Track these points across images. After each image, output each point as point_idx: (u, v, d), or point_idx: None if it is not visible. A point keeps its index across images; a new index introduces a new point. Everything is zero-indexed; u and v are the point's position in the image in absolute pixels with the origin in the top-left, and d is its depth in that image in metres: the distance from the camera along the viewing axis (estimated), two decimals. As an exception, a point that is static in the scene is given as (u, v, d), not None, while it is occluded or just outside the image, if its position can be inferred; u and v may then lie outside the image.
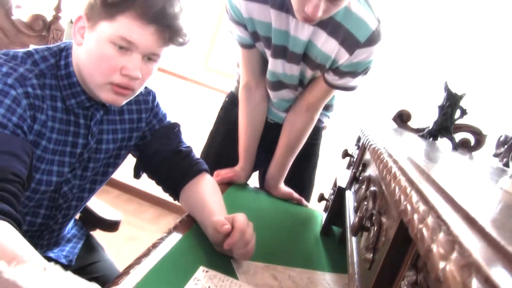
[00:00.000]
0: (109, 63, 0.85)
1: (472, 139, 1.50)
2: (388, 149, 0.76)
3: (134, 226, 2.81)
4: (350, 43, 1.19)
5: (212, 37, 3.18)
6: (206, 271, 0.83)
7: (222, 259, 0.90)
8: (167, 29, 0.86)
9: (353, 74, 1.26)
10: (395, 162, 0.64)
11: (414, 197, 0.48)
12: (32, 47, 1.18)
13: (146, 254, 0.82)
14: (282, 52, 1.27)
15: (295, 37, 1.22)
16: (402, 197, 0.50)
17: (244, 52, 1.36)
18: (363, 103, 2.64)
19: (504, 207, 0.56)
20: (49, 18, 1.41)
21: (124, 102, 0.92)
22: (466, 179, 0.72)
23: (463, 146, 1.49)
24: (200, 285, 0.78)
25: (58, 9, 1.43)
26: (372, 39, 1.18)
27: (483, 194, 0.62)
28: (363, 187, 0.92)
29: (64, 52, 0.92)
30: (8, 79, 0.79)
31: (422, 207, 0.44)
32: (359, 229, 0.66)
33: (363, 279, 0.64)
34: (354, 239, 0.84)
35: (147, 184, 3.10)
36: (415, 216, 0.42)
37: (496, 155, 1.38)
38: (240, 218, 0.89)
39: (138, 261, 0.79)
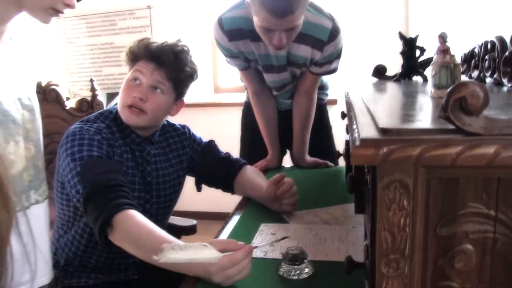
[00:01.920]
0: (125, 92, 1.26)
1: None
2: (351, 96, 1.09)
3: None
4: (318, 45, 1.55)
5: (213, 61, 3.59)
6: (266, 225, 1.19)
7: (275, 216, 1.26)
8: (162, 67, 1.25)
9: (329, 62, 1.62)
10: (353, 102, 0.98)
11: (354, 121, 0.81)
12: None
13: (224, 226, 1.20)
14: (270, 68, 1.64)
15: (276, 55, 1.58)
16: (350, 120, 0.84)
17: (243, 72, 1.73)
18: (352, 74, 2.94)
19: (414, 105, 0.88)
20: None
21: (138, 122, 1.26)
22: (407, 99, 1.04)
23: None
24: (264, 233, 1.14)
25: (93, 89, 1.82)
26: (332, 36, 1.54)
27: (411, 102, 0.95)
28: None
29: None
30: (90, 131, 1.20)
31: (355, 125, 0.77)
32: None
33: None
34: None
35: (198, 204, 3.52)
36: (354, 132, 0.76)
37: (462, 72, 1.66)
38: (289, 178, 1.29)
39: (220, 231, 1.16)
